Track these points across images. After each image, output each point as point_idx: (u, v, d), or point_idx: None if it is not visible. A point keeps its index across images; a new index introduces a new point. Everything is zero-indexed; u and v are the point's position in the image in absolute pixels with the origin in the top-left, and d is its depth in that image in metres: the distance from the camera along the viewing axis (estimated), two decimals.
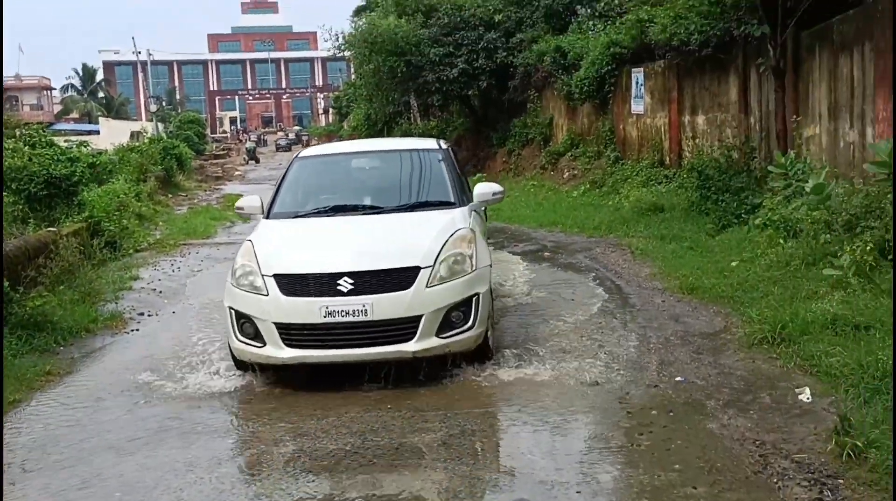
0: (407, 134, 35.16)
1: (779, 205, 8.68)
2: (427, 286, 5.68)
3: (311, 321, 5.63)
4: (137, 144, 28.29)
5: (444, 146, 7.91)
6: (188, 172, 30.96)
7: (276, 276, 5.77)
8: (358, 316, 5.55)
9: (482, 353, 6.06)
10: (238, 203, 7.47)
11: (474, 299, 5.83)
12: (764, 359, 5.76)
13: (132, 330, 7.88)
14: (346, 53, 24.26)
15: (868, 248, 6.61)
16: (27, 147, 15.46)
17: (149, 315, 8.45)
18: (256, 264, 5.92)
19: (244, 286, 5.89)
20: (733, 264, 8.06)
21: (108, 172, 20.55)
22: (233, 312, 5.91)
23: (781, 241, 8.07)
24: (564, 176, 19.03)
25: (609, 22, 19.63)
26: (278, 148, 73.75)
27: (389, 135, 37.55)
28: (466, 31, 22.75)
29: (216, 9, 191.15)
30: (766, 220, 8.75)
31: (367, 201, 7.08)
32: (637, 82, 16.54)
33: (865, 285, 6.23)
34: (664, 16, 14.01)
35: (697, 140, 14.31)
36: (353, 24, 22.81)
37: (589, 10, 22.53)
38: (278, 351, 5.68)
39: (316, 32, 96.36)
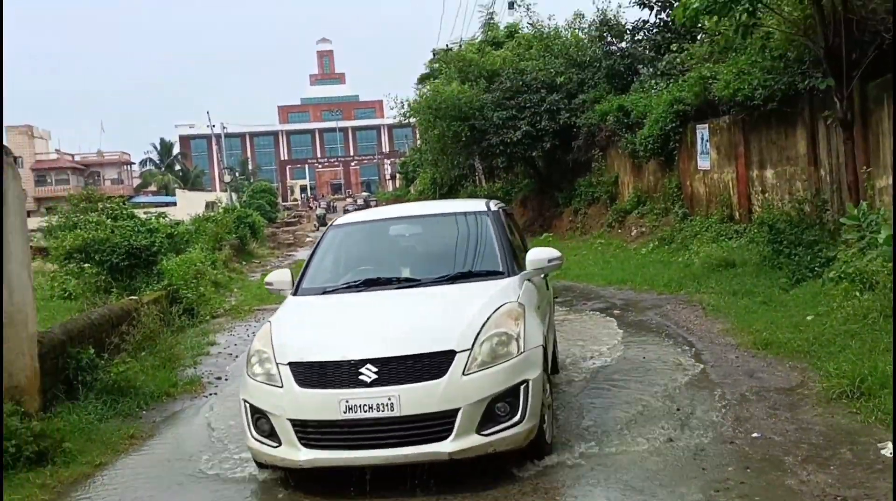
0: (473, 196, 35.70)
1: (853, 257, 8.51)
2: (464, 374, 4.81)
3: (329, 418, 4.82)
4: (212, 214, 29.38)
5: (493, 208, 6.78)
6: (261, 240, 31.86)
7: (291, 364, 5.02)
8: (383, 411, 4.71)
9: (537, 449, 5.16)
10: (267, 278, 6.61)
11: (522, 387, 4.89)
12: (843, 414, 5.63)
13: (210, 394, 8.11)
14: (412, 120, 24.89)
15: None
16: (109, 220, 16.18)
17: (225, 379, 8.69)
18: (272, 350, 5.18)
19: (258, 376, 5.16)
20: (808, 318, 7.91)
21: (185, 242, 21.31)
22: (247, 405, 5.19)
23: (857, 294, 7.89)
24: (632, 234, 18.96)
25: (671, 80, 19.73)
26: (346, 212, 75.67)
27: (455, 197, 38.21)
28: (529, 94, 23.13)
29: (286, 81, 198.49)
30: (841, 273, 8.56)
31: (405, 273, 6.18)
32: (702, 138, 16.51)
33: None
34: (727, 72, 14.07)
35: (767, 194, 14.15)
36: (417, 92, 23.47)
37: (651, 70, 22.72)
38: (294, 453, 4.88)
39: (382, 101, 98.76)
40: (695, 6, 10.26)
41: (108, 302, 11.47)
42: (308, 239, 40.49)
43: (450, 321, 5.16)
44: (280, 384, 5.00)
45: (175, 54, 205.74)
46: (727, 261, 12.46)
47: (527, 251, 6.40)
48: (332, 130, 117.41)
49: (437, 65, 26.59)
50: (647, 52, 22.74)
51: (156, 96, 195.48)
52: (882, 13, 9.64)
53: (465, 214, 6.86)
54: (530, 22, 25.26)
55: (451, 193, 37.31)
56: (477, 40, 30.07)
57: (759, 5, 10.34)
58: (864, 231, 8.73)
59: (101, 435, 6.46)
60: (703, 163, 16.51)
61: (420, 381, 4.77)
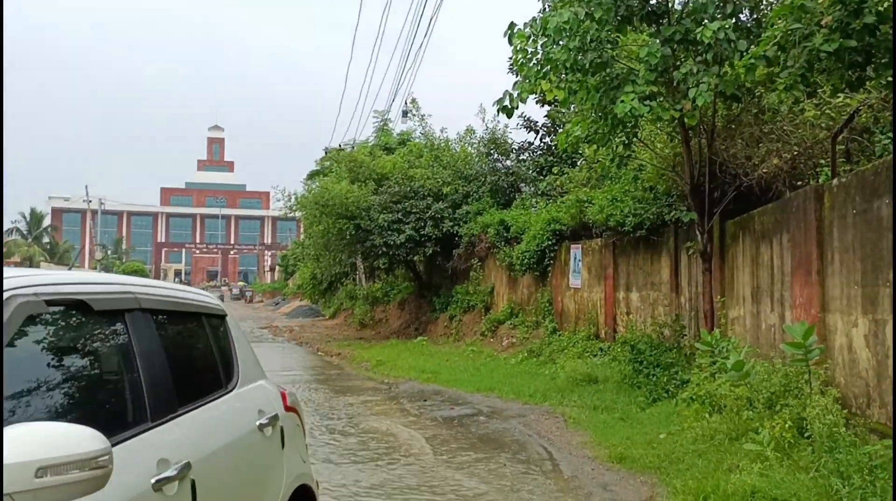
0: (351, 295, 35.69)
1: (705, 381, 9.02)
2: None
3: None
4: None
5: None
6: None
7: None
8: None
9: None
10: None
11: None
12: None
13: None
14: (297, 214, 24.93)
15: (787, 425, 6.89)
16: None
17: None
18: None
19: None
20: (661, 436, 8.27)
21: None
22: None
23: (707, 415, 8.33)
24: (503, 344, 19.33)
25: (550, 200, 20.71)
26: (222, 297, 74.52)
27: (330, 293, 38.03)
28: (416, 199, 23.70)
29: (172, 164, 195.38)
30: (693, 395, 9.05)
31: None
32: (575, 258, 17.28)
33: (783, 460, 6.47)
34: (601, 198, 14.93)
35: (631, 316, 14.84)
36: (305, 187, 23.61)
37: (532, 189, 23.79)
38: None
39: (268, 192, 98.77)
40: (576, 134, 11.00)
41: None
42: None
43: None
44: None
45: (58, 122, 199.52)
46: (590, 377, 12.89)
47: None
48: (215, 216, 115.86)
49: (327, 163, 26.99)
50: (531, 171, 23.85)
51: (32, 165, 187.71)
52: (741, 158, 10.60)
53: None
54: (423, 132, 26.18)
55: (329, 289, 37.19)
56: (370, 144, 30.79)
57: (634, 139, 11.21)
58: (715, 357, 9.33)
59: None
60: (575, 281, 17.21)
61: None
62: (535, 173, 23.65)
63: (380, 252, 23.85)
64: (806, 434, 6.79)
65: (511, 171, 24.08)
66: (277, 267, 77.55)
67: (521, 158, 24.55)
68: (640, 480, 7.21)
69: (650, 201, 13.41)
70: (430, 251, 23.71)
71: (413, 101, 25.80)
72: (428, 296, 26.58)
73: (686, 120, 9.70)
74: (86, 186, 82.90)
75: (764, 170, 10.18)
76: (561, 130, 11.81)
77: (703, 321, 11.37)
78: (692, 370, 10.33)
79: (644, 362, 11.75)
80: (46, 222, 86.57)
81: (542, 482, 7.31)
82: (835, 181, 7.96)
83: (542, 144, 24.18)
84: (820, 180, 9.39)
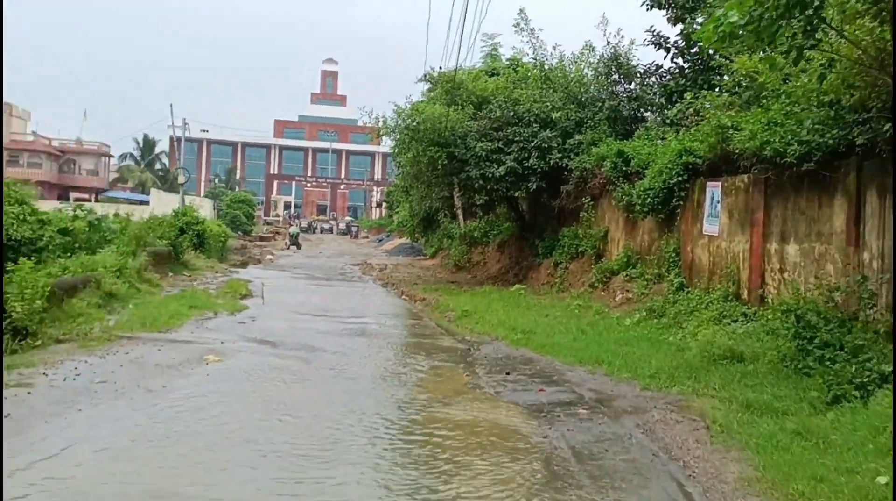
0: (448, 234, 32.87)
1: None
2: None
3: None
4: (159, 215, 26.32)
5: None
6: (213, 251, 28.85)
7: None
8: None
9: None
10: None
11: None
12: None
13: None
14: (386, 139, 22.02)
15: None
16: None
17: None
18: None
19: None
20: (881, 481, 5.02)
21: (105, 241, 18.47)
22: None
23: None
24: (617, 298, 16.18)
25: (681, 131, 17.20)
26: (322, 231, 74.59)
27: (434, 231, 35.40)
28: (519, 126, 20.51)
29: (287, 96, 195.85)
30: None
31: None
32: (712, 198, 13.83)
33: None
34: (753, 122, 11.49)
35: (786, 274, 11.43)
36: (395, 108, 20.69)
37: (657, 118, 20.21)
38: None
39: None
40: (732, 21, 7.62)
41: None
42: (269, 257, 37.52)
43: None
44: None
45: (177, 57, 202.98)
46: (733, 352, 9.66)
47: None
48: (326, 150, 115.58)
49: (423, 84, 23.92)
50: (658, 97, 20.21)
51: (150, 95, 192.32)
52: None
53: None
54: (533, 51, 22.62)
55: (429, 226, 34.59)
56: (476, 69, 27.59)
57: (821, 24, 7.73)
58: None
59: None
60: (711, 227, 13.80)
61: None
62: (662, 100, 20.01)
63: (476, 186, 20.87)
64: None
65: (634, 95, 20.50)
66: (384, 203, 75.82)
67: (646, 82, 20.89)
68: None
69: (829, 120, 9.89)
70: (535, 187, 20.51)
71: (521, 10, 22.26)
72: (530, 238, 23.46)
73: None
74: (184, 119, 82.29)
75: None
76: (703, 23, 8.42)
77: None
78: None
79: (814, 339, 8.47)
80: (161, 148, 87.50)
81: None
82: None
83: (673, 66, 20.45)
84: None
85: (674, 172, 14.89)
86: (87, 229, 17.97)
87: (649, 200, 15.53)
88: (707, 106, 15.88)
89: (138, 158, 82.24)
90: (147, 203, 59.75)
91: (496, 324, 13.47)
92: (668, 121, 19.07)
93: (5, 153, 74.51)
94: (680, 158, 14.80)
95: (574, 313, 15.34)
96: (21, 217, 13.00)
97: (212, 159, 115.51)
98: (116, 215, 17.94)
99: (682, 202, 15.04)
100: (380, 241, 59.85)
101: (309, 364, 9.96)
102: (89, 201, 66.21)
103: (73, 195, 76.28)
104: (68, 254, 15.44)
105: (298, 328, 12.98)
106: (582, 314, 15.22)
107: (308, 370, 9.60)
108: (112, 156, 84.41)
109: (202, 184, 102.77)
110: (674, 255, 15.25)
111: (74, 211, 17.89)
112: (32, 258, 12.70)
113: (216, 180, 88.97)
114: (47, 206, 27.25)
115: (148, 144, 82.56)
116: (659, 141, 18.00)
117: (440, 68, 23.42)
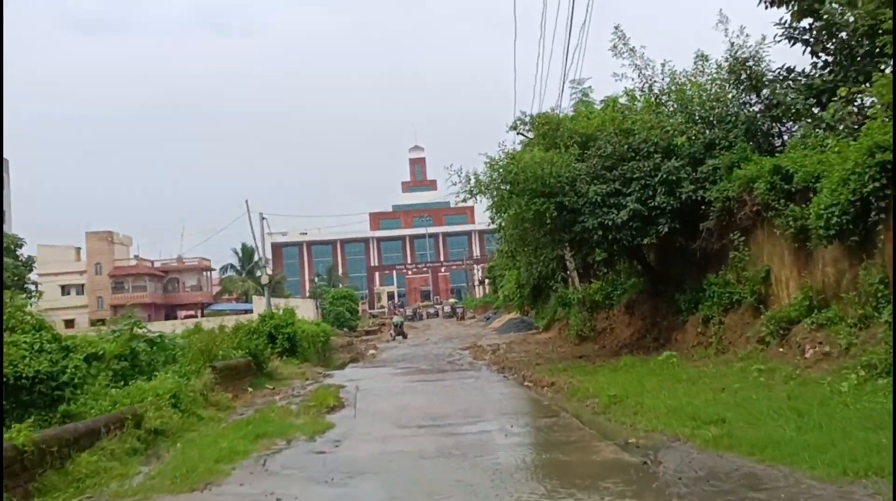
0: (563, 301, 29.16)
1: None
2: None
3: None
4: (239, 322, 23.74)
5: None
6: (309, 353, 26.14)
7: None
8: None
9: None
10: None
11: None
12: None
13: None
14: (478, 198, 18.67)
15: None
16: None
17: None
18: None
19: None
20: None
21: (171, 359, 15.86)
22: None
23: None
24: (807, 355, 12.23)
25: (844, 135, 13.47)
26: (427, 316, 72.73)
27: (544, 302, 31.79)
28: (637, 160, 17.04)
29: (379, 189, 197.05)
30: None
31: None
32: None
33: None
34: None
35: None
36: (487, 162, 17.51)
37: (801, 128, 16.45)
38: None
39: (472, 207, 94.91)
40: None
41: None
42: (371, 352, 34.55)
43: None
44: None
45: (265, 164, 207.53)
46: None
47: None
48: (422, 236, 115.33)
49: (514, 131, 20.74)
50: (801, 99, 16.47)
51: (243, 204, 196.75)
52: None
53: None
54: (635, 68, 19.15)
55: (539, 296, 31.01)
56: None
57: None
58: None
59: None
60: None
61: None
62: (812, 100, 16.29)
63: (594, 238, 17.35)
64: None
65: (774, 102, 16.79)
66: (486, 280, 72.94)
67: (784, 85, 17.20)
68: None
69: None
70: (665, 229, 16.83)
71: (617, 28, 18.97)
72: (665, 292, 19.60)
73: None
74: (258, 213, 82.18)
75: None
76: None
77: None
78: None
79: None
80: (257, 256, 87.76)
81: None
82: None
83: (816, 62, 16.76)
84: None
85: (866, 177, 11.11)
86: (148, 348, 15.42)
87: (835, 219, 11.71)
88: (874, 100, 12.35)
89: (239, 269, 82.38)
90: (250, 310, 58.75)
91: (666, 413, 9.64)
92: (822, 125, 15.34)
93: (112, 280, 75.75)
94: (872, 157, 11.05)
95: (759, 382, 11.43)
96: (36, 347, 10.33)
97: (313, 260, 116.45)
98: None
99: (882, 215, 11.17)
100: (487, 319, 56.73)
101: None
102: (195, 316, 66.11)
103: (180, 313, 76.84)
104: (122, 383, 12.85)
105: (395, 453, 9.32)
106: (770, 382, 11.31)
107: None
108: (213, 268, 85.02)
109: (305, 285, 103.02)
110: (881, 288, 11.28)
111: (131, 329, 15.32)
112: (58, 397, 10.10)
113: (317, 280, 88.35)
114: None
115: (247, 253, 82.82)
116: (820, 147, 14.27)
117: (532, 114, 20.35)
